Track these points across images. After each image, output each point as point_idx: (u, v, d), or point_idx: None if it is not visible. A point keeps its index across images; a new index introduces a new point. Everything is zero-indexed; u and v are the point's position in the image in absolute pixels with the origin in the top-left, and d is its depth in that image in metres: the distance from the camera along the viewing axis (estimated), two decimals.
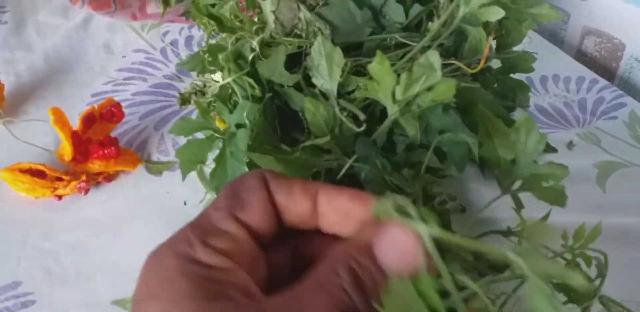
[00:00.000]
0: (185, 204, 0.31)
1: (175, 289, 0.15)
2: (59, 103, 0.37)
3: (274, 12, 0.33)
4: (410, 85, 0.22)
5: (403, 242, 0.16)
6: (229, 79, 0.30)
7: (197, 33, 0.45)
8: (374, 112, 0.31)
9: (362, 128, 0.26)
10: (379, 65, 0.23)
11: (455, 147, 0.26)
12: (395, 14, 0.35)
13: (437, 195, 0.25)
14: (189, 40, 0.44)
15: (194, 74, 0.40)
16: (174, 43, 0.44)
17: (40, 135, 0.34)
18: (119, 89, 0.39)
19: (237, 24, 0.34)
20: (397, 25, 0.35)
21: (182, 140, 0.35)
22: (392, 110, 0.24)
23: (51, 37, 0.43)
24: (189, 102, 0.31)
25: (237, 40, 0.33)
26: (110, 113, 0.33)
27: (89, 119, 0.32)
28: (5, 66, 0.39)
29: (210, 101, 0.31)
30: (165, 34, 0.44)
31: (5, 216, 0.30)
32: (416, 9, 0.35)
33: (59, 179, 0.30)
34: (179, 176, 0.32)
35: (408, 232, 0.16)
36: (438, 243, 0.15)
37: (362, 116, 0.27)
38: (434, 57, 0.21)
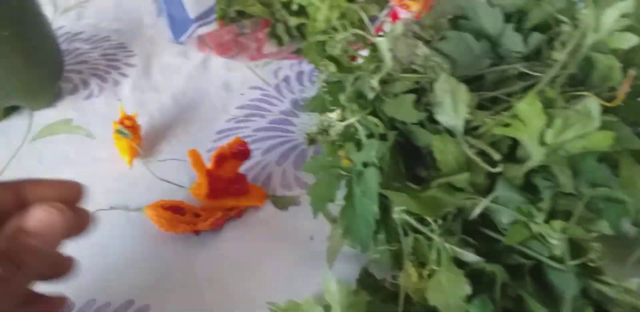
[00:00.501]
0: (311, 239, 0.32)
1: None
2: (189, 140, 0.40)
3: (391, 49, 0.33)
4: (564, 131, 0.22)
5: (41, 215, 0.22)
6: (353, 119, 0.31)
7: (307, 68, 0.47)
8: (501, 148, 0.30)
9: (499, 169, 0.26)
10: (528, 106, 0.23)
11: (610, 205, 0.24)
12: (513, 43, 0.34)
13: (589, 250, 0.24)
14: (300, 75, 0.46)
15: (284, 101, 0.42)
16: (286, 79, 0.46)
17: (175, 172, 0.37)
18: (241, 125, 0.41)
19: (354, 64, 0.35)
20: (516, 55, 0.34)
21: (304, 175, 0.37)
22: (538, 154, 0.24)
23: (175, 77, 0.47)
24: (315, 142, 0.33)
25: (355, 79, 0.34)
26: (239, 152, 0.35)
27: (221, 158, 0.35)
28: (139, 107, 0.43)
29: (334, 140, 0.32)
30: (277, 70, 0.47)
31: (149, 250, 0.33)
32: (536, 37, 0.34)
33: (197, 215, 0.33)
34: (304, 210, 0.34)
35: (44, 210, 0.22)
36: None
37: (496, 156, 0.27)
38: (592, 105, 0.21)
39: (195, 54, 0.49)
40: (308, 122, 0.41)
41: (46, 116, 0.43)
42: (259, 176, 0.37)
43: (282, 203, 0.34)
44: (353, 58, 0.43)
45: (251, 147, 0.38)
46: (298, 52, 0.45)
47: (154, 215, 0.33)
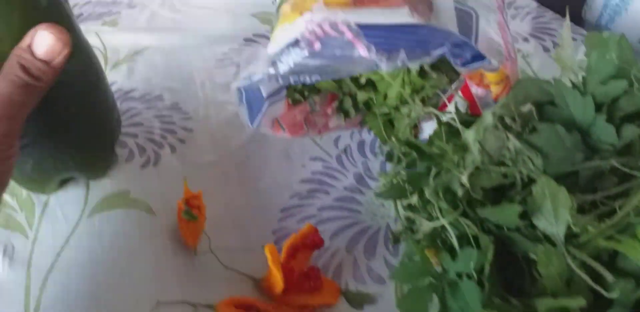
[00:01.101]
0: None
1: None
2: (253, 224, 0.38)
3: (479, 141, 0.32)
4: None
5: (48, 38, 0.26)
6: (444, 221, 0.29)
7: (368, 137, 0.45)
8: (601, 257, 0.28)
9: (615, 295, 0.24)
10: None
11: None
12: (605, 135, 0.32)
13: None
14: (361, 145, 0.44)
15: (371, 182, 0.40)
16: (347, 149, 0.44)
17: (242, 260, 0.35)
18: (305, 203, 0.40)
19: (435, 151, 0.33)
20: (608, 147, 0.32)
21: (377, 267, 0.35)
22: None
23: (234, 144, 0.46)
24: (399, 241, 0.31)
25: (437, 173, 0.32)
26: (312, 242, 0.34)
27: (294, 249, 0.33)
28: (197, 179, 0.42)
29: (420, 239, 0.31)
30: (337, 139, 0.45)
31: None
32: (630, 130, 0.32)
33: None
34: (381, 310, 0.32)
35: (51, 31, 0.27)
36: None
37: (610, 277, 0.25)
38: None
39: None
40: (375, 201, 0.39)
41: (103, 187, 0.42)
42: (328, 264, 0.35)
43: (356, 301, 0.33)
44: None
45: (318, 229, 0.36)
46: (362, 124, 0.43)
47: None
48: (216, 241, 0.37)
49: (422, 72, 0.39)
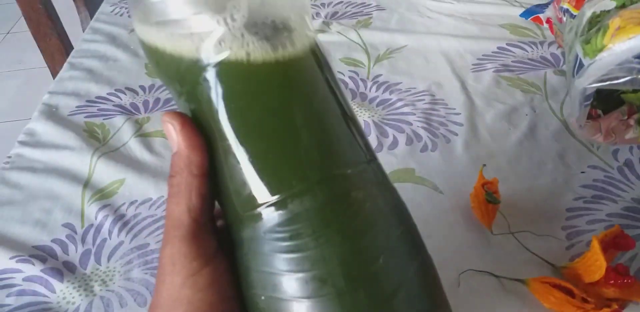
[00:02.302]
0: None
1: None
2: (541, 214, 0.41)
3: None
4: None
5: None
6: None
7: None
8: None
9: None
10: None
11: None
12: None
13: None
14: None
15: (634, 187, 0.40)
16: (628, 163, 0.45)
17: (543, 246, 0.38)
18: (591, 207, 0.41)
19: None
20: None
21: None
22: None
23: (505, 143, 0.48)
24: None
25: None
26: (624, 242, 0.35)
27: (607, 245, 0.35)
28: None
29: None
30: (615, 151, 0.46)
31: None
32: None
33: (585, 301, 0.33)
34: None
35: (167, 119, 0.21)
36: None
37: None
38: None
39: (520, 121, 0.51)
40: None
41: (389, 163, 0.47)
42: (629, 267, 0.36)
43: None
44: None
45: None
46: None
47: (543, 290, 0.33)
48: (511, 225, 0.40)
49: None
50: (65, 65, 0.66)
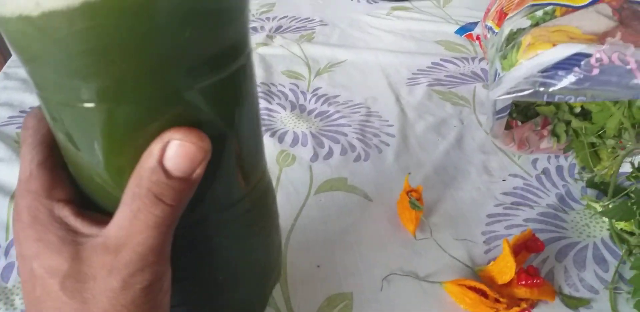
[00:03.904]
0: None
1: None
2: (462, 220, 0.43)
3: None
4: None
5: (186, 149, 0.19)
6: None
7: (565, 163, 0.48)
8: None
9: None
10: None
11: None
12: None
13: None
14: (559, 169, 0.48)
15: (574, 204, 0.43)
16: (545, 171, 0.48)
17: (461, 250, 0.40)
18: (510, 213, 0.43)
19: None
20: None
21: (590, 278, 0.37)
22: None
23: (433, 153, 0.51)
24: (632, 254, 0.34)
25: None
26: (534, 245, 0.37)
27: (517, 248, 0.37)
28: (409, 181, 0.47)
29: None
30: (535, 160, 0.49)
31: None
32: None
33: (497, 301, 0.35)
34: None
35: (188, 138, 0.19)
36: None
37: None
38: None
39: (448, 132, 0.53)
40: (580, 221, 0.42)
41: (324, 172, 0.48)
42: (539, 268, 0.38)
43: (573, 303, 0.35)
44: None
45: None
46: (566, 149, 0.47)
47: (459, 292, 0.35)
48: (434, 231, 0.41)
49: None
50: (0, 75, 0.64)
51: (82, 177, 0.22)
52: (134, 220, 0.19)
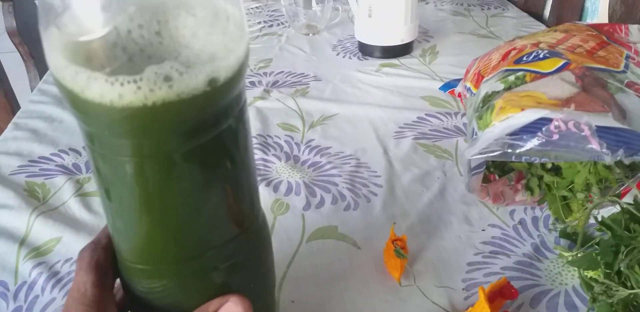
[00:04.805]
0: None
1: None
2: (444, 267, 0.46)
3: None
4: None
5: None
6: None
7: (540, 214, 0.52)
8: None
9: None
10: None
11: None
12: None
13: None
14: (535, 220, 0.51)
15: (547, 254, 0.46)
16: (522, 222, 0.51)
17: (442, 296, 0.42)
18: (488, 261, 0.47)
19: (626, 234, 0.40)
20: None
21: None
22: None
23: (418, 203, 0.54)
24: (597, 301, 0.37)
25: (631, 249, 0.38)
26: (509, 292, 0.40)
27: (493, 295, 0.40)
28: (395, 230, 0.50)
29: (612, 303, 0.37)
30: (512, 211, 0.52)
31: None
32: None
33: None
34: None
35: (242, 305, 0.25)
36: None
37: None
38: None
39: (432, 183, 0.57)
40: (553, 270, 0.45)
41: (315, 221, 0.52)
42: None
43: None
44: None
45: None
46: (541, 202, 0.50)
47: None
48: (418, 279, 0.44)
49: (606, 166, 0.47)
50: (10, 125, 0.68)
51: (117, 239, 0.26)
52: None
